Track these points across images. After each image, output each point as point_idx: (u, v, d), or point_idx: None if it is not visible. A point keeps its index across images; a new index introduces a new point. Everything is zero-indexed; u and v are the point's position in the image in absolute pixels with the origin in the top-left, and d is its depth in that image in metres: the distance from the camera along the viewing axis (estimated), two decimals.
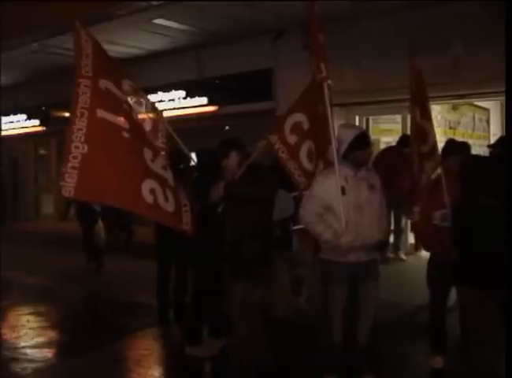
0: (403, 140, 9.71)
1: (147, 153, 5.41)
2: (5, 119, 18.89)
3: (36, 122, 18.01)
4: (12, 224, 19.09)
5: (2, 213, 19.85)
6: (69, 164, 4.98)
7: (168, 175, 5.45)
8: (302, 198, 5.45)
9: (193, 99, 13.61)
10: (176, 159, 6.98)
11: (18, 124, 18.49)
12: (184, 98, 13.75)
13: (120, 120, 5.29)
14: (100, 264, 11.16)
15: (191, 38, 12.38)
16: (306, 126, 5.61)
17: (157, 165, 5.45)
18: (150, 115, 6.06)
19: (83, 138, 5.04)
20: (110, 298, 9.16)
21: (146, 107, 6.13)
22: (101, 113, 5.19)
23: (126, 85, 5.80)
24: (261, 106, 12.07)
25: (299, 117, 5.62)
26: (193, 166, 6.68)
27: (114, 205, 5.21)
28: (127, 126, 5.30)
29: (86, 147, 5.01)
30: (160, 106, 13.30)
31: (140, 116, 5.89)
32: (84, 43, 5.41)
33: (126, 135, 5.27)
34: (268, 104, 11.98)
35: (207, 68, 13.23)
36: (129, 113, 5.43)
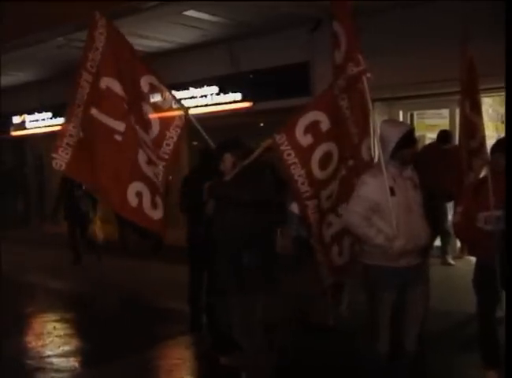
0: (442, 136, 9.66)
1: (142, 156, 5.51)
2: (29, 117, 19.13)
3: (62, 120, 18.03)
4: (37, 225, 19.32)
5: (27, 214, 20.20)
6: (65, 140, 5.32)
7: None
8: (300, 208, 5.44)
9: (226, 95, 13.58)
10: (208, 159, 6.96)
11: (43, 123, 18.62)
12: (217, 94, 13.72)
13: (115, 122, 5.48)
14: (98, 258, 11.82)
15: (224, 30, 12.32)
16: (325, 127, 5.36)
17: (152, 171, 5.55)
18: (163, 116, 6.08)
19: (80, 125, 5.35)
20: (140, 304, 9.21)
21: (169, 104, 6.17)
22: (94, 112, 5.48)
23: (145, 82, 5.85)
24: (299, 102, 11.86)
25: (319, 116, 5.37)
26: None
27: (101, 197, 5.49)
28: (121, 129, 5.47)
29: (81, 133, 5.41)
30: (191, 103, 13.36)
31: (150, 117, 5.94)
32: (98, 35, 5.54)
33: (118, 138, 5.51)
34: (305, 100, 11.76)
35: (241, 62, 13.17)
36: (128, 116, 5.55)
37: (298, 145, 5.31)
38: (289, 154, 5.29)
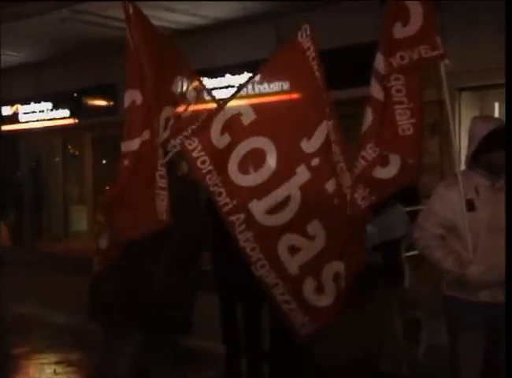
0: None
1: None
2: (24, 108, 19.38)
3: (65, 112, 18.31)
4: (32, 244, 19.43)
5: (19, 230, 20.26)
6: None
7: None
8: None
9: (272, 84, 13.62)
10: None
11: (42, 115, 18.85)
12: (260, 83, 13.73)
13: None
14: None
15: (269, 3, 12.44)
16: (247, 119, 5.50)
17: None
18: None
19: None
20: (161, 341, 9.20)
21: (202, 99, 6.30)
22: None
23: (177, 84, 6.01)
24: (366, 92, 11.88)
25: (241, 108, 5.56)
26: None
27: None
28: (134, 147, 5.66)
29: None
30: (227, 93, 13.39)
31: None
32: (134, 31, 5.60)
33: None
34: None
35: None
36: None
37: (213, 149, 5.37)
38: (204, 162, 5.34)
